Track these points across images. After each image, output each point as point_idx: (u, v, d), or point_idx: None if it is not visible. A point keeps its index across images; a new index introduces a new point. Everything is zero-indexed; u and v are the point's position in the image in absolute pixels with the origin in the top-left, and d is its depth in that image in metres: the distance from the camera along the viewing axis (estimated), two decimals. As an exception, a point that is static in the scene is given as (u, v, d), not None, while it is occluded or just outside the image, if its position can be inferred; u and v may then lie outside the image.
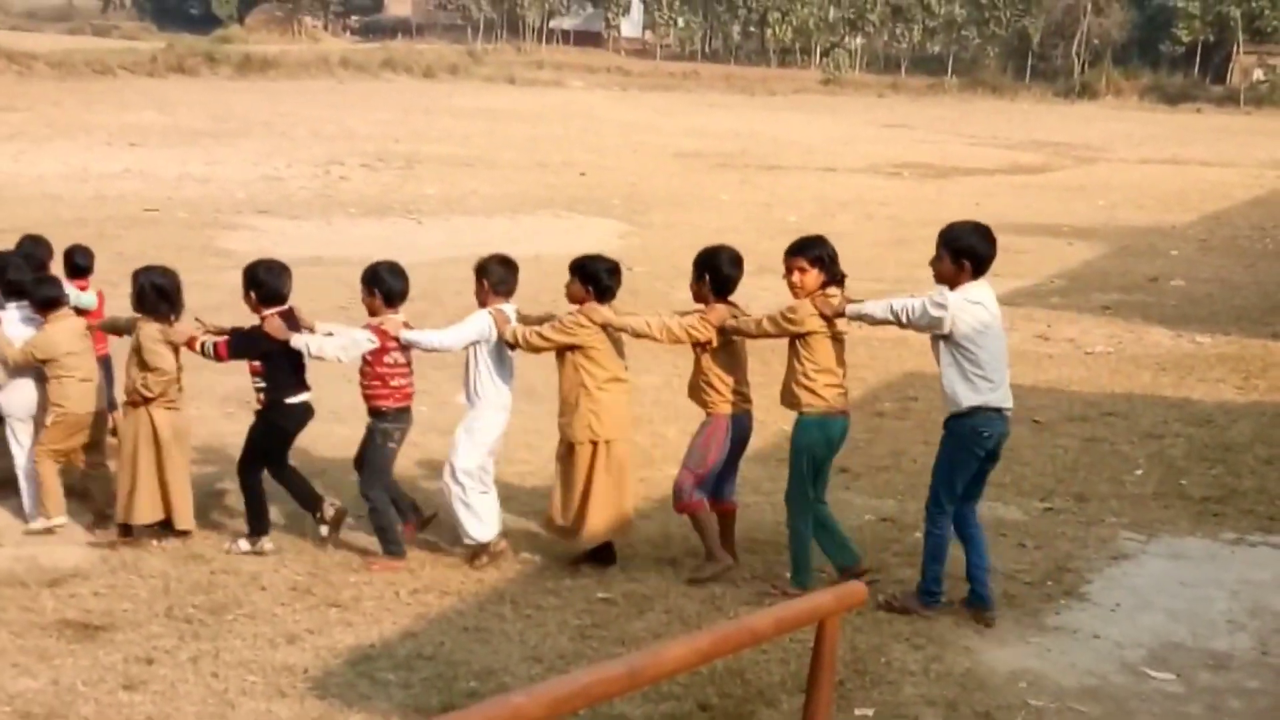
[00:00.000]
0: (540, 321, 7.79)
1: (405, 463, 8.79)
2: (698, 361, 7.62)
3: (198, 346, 7.76)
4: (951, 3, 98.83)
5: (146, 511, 7.88)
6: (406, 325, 7.79)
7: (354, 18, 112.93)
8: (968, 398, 6.78)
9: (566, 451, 7.73)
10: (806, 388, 7.19)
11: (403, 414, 7.84)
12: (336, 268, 17.43)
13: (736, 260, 7.57)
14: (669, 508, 8.06)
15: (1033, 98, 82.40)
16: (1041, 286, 18.45)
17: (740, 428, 7.63)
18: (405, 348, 7.74)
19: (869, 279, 15.87)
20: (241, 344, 7.78)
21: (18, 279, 8.42)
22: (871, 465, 10.12)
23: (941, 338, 6.82)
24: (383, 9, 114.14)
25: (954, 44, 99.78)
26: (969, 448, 6.90)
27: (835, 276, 7.26)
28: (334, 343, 7.73)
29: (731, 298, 7.62)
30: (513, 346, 7.74)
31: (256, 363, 7.78)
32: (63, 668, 6.31)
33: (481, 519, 7.77)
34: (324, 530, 8.01)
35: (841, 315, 7.17)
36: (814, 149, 40.80)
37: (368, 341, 7.67)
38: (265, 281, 7.80)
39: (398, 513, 8.00)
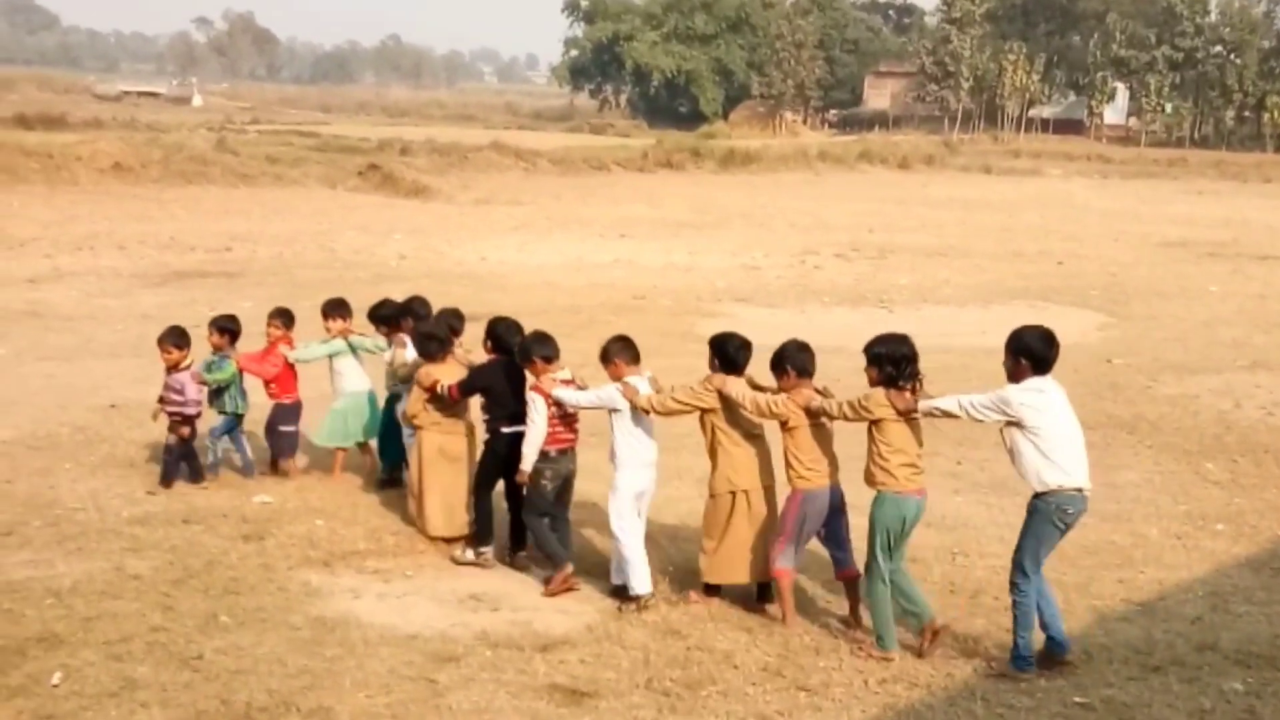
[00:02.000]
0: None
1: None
2: (783, 438, 8.24)
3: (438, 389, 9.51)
4: None
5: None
6: (565, 384, 9.00)
7: (833, 111, 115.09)
8: (1051, 476, 7.39)
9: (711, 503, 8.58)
10: (881, 468, 7.83)
11: (560, 457, 8.97)
12: (810, 355, 17.72)
13: (804, 347, 8.53)
14: (1153, 610, 7.73)
15: None
16: None
17: (826, 500, 8.20)
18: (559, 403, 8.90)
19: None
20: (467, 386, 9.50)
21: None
22: None
23: (1015, 425, 7.45)
24: (861, 102, 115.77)
25: None
26: (1052, 522, 7.46)
27: (902, 374, 7.79)
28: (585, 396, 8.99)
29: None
30: (646, 412, 8.60)
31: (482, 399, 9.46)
32: (552, 728, 6.72)
33: (637, 571, 8.51)
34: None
35: (914, 410, 7.78)
36: (1318, 238, 37.87)
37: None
38: (500, 336, 9.44)
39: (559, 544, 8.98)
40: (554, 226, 33.09)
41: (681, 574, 8.96)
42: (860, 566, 8.17)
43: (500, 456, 9.23)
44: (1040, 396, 7.43)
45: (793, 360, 8.43)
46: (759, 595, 8.57)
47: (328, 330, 11.08)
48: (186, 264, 22.76)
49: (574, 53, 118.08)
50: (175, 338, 10.63)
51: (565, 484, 9.13)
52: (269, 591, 8.46)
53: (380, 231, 29.97)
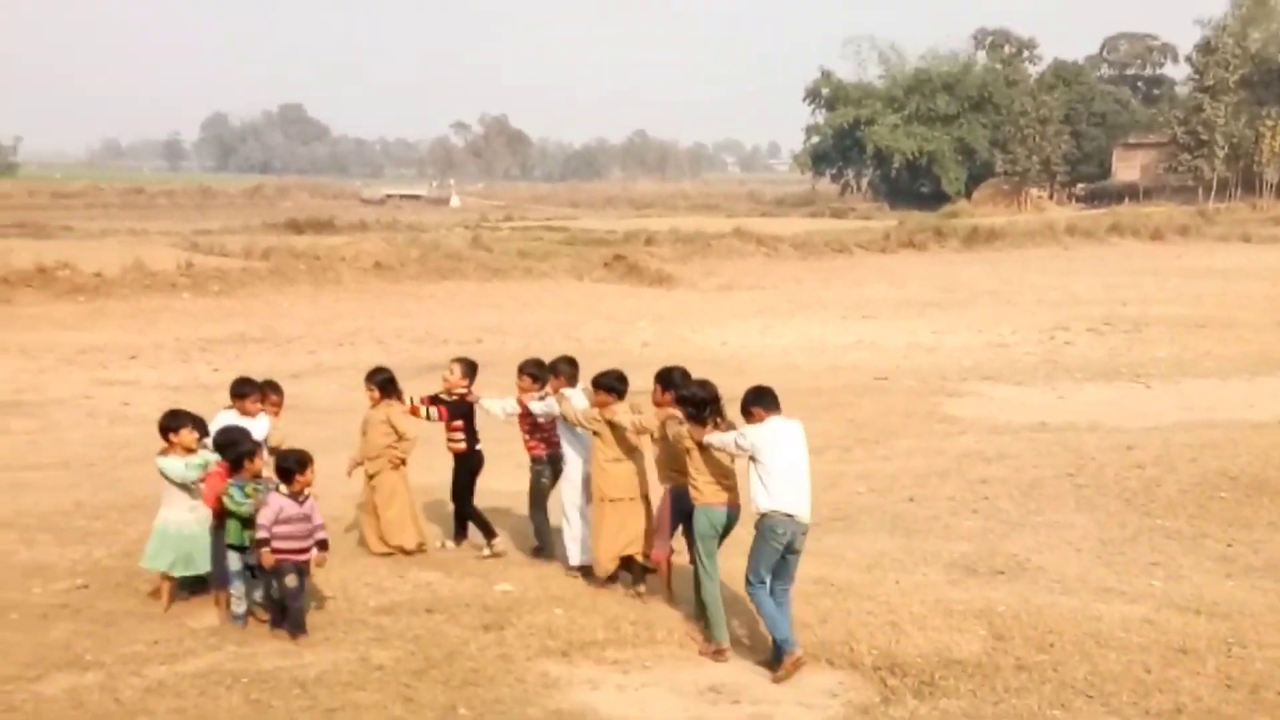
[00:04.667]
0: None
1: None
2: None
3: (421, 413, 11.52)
4: None
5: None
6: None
7: (1080, 186, 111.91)
8: (764, 502, 8.88)
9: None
10: (694, 486, 9.39)
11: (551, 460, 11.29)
12: (1062, 433, 17.06)
13: (686, 376, 10.06)
14: None
15: None
16: None
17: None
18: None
19: None
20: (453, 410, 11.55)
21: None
22: None
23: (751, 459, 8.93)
24: (1110, 175, 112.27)
25: None
26: (768, 541, 8.91)
27: (702, 412, 9.27)
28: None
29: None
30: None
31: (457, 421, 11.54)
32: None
33: (580, 545, 10.74)
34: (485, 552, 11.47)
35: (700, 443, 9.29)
36: None
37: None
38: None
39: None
40: (795, 309, 32.92)
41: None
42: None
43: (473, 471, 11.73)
44: (771, 434, 8.96)
45: (674, 386, 9.96)
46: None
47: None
48: (439, 356, 23.27)
49: (815, 139, 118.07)
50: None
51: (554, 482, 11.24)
52: (507, 683, 8.43)
53: (625, 320, 30.32)
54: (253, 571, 9.57)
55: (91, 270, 32.90)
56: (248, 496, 9.47)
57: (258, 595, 9.69)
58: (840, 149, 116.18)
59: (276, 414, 11.17)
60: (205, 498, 9.76)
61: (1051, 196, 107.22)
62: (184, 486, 9.82)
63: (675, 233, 52.70)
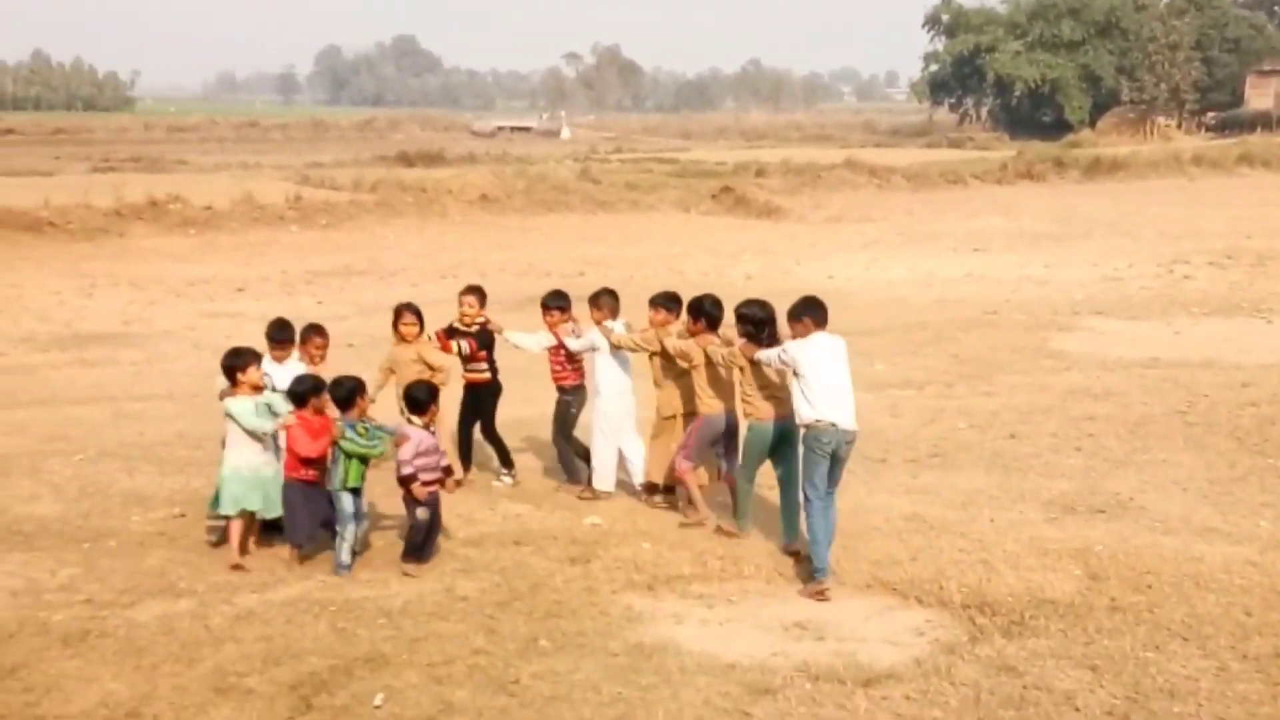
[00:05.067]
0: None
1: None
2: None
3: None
4: None
5: None
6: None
7: (1210, 114, 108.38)
8: (808, 413, 9.12)
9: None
10: (747, 402, 9.89)
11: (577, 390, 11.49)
12: (1174, 369, 16.57)
13: (717, 303, 10.43)
14: None
15: None
16: None
17: (724, 422, 10.42)
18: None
19: None
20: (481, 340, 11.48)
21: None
22: None
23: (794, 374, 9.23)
24: (1242, 103, 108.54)
25: None
26: (815, 451, 9.11)
27: (761, 332, 9.69)
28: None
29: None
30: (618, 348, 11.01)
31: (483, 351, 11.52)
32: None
33: (601, 472, 11.18)
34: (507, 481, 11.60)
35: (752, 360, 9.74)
36: None
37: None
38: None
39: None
40: (905, 242, 32.35)
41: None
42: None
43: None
44: (813, 349, 9.24)
45: (706, 314, 10.34)
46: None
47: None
48: (540, 289, 23.16)
49: (934, 67, 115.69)
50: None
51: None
52: (591, 616, 8.40)
53: (729, 253, 30.05)
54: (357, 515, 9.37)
55: (202, 203, 33.39)
56: (360, 435, 9.30)
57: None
58: (959, 77, 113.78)
59: (321, 359, 10.69)
60: (300, 448, 9.32)
61: (1180, 126, 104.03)
62: (251, 433, 9.49)
63: (786, 164, 52.01)
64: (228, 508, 9.52)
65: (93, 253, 28.83)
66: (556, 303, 11.46)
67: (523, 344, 11.57)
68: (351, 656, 7.73)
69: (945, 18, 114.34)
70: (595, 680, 7.39)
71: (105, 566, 9.41)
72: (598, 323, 11.15)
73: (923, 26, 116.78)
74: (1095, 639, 7.90)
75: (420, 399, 9.48)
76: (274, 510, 9.60)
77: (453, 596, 8.74)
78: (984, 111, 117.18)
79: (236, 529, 9.51)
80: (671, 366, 10.67)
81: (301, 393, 9.44)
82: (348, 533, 9.29)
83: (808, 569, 9.07)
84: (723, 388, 10.28)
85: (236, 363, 9.59)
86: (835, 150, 67.75)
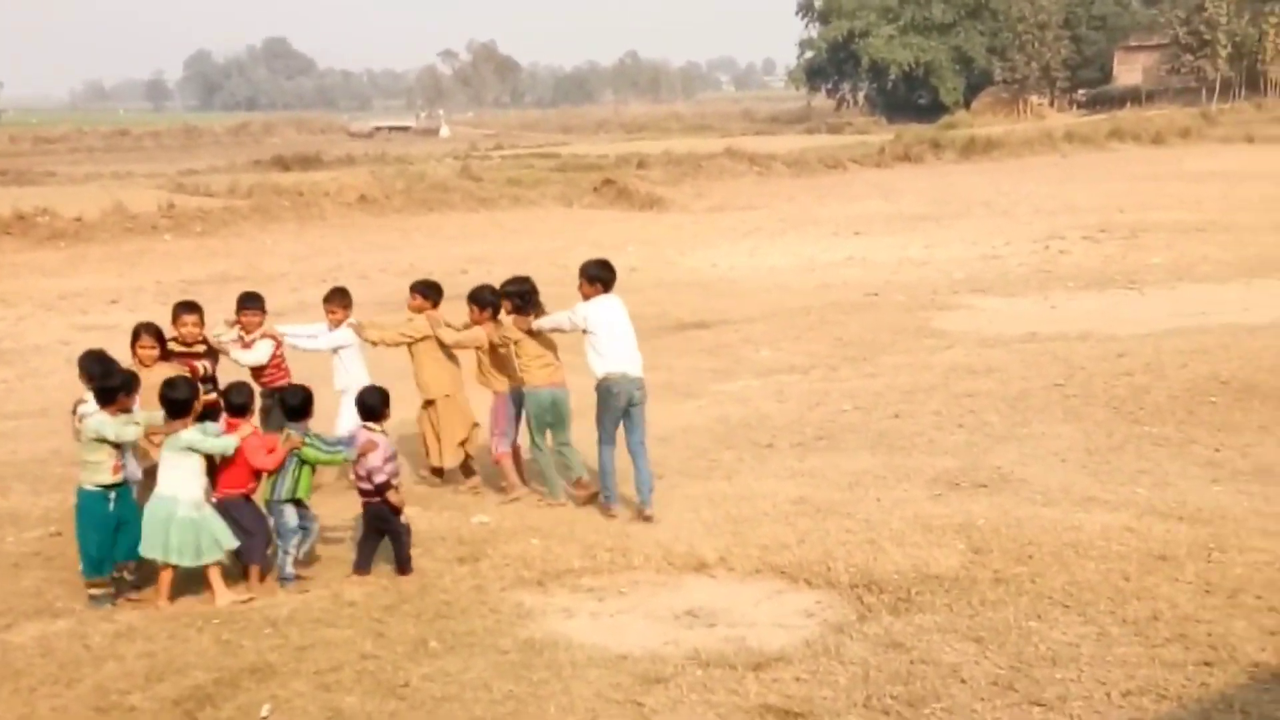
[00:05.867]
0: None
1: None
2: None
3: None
4: None
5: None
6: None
7: (1081, 91, 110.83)
8: (600, 366, 10.17)
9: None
10: (524, 369, 10.69)
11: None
12: (1052, 343, 16.90)
13: (495, 290, 10.98)
14: None
15: None
16: None
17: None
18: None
19: None
20: None
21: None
22: None
23: (584, 332, 10.22)
24: (1112, 79, 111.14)
25: None
26: (609, 401, 10.14)
27: (527, 304, 10.64)
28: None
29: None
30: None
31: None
32: (761, 752, 6.35)
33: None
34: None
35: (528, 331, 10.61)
36: None
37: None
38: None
39: None
40: (786, 228, 32.61)
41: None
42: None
43: None
44: (601, 308, 10.20)
45: (489, 303, 10.87)
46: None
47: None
48: (425, 289, 23.16)
49: (809, 54, 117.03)
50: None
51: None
52: (480, 614, 8.32)
53: (613, 245, 29.95)
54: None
55: (71, 215, 32.52)
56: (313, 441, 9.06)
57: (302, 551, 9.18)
58: (835, 63, 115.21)
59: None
60: (257, 460, 8.84)
61: (1052, 103, 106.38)
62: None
63: (667, 155, 52.20)
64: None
65: (-42, 270, 27.99)
66: (247, 303, 11.16)
67: (307, 346, 11.40)
68: (237, 668, 7.57)
69: (819, 4, 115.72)
70: (486, 679, 7.32)
71: (-21, 590, 9.13)
72: (337, 323, 11.24)
73: (797, 14, 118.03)
74: (979, 611, 8.00)
75: (374, 405, 9.31)
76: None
77: (340, 602, 8.61)
78: (861, 96, 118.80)
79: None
80: (436, 349, 11.07)
81: (242, 404, 9.09)
82: (291, 545, 9.04)
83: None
84: (507, 365, 10.94)
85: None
86: (716, 139, 68.22)
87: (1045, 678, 7.10)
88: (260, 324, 11.18)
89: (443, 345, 11.04)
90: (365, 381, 10.28)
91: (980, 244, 27.92)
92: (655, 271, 25.17)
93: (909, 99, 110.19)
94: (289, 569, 9.04)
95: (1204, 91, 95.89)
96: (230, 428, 8.93)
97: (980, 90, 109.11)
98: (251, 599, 8.73)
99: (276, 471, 8.98)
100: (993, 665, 7.28)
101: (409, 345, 11.14)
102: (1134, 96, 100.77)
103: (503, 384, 10.97)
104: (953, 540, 9.28)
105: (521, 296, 10.68)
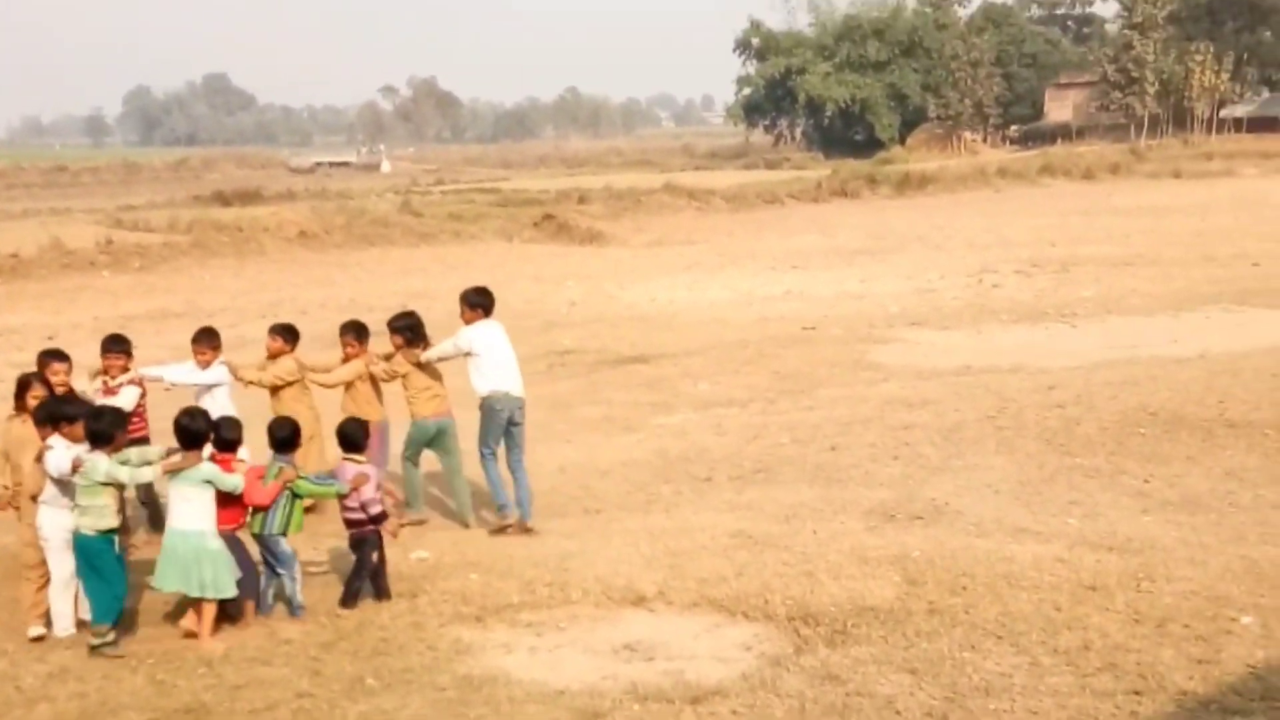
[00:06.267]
0: None
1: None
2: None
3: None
4: None
5: None
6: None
7: (1014, 128, 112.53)
8: (484, 386, 10.82)
9: None
10: (410, 402, 11.18)
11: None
12: (985, 376, 17.12)
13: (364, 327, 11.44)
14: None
15: None
16: None
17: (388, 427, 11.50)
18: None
19: None
20: None
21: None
22: None
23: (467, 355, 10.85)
24: (1043, 116, 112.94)
25: None
26: (492, 418, 10.84)
27: (417, 337, 11.14)
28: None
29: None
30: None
31: None
32: (695, 784, 6.38)
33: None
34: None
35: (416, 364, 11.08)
36: None
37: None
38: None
39: None
40: (725, 263, 32.85)
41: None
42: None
43: None
44: (482, 332, 10.85)
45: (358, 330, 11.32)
46: None
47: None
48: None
49: (747, 90, 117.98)
50: None
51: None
52: (418, 651, 8.31)
53: (553, 280, 30.13)
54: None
55: (8, 251, 32.24)
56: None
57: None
58: (773, 99, 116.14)
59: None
60: (256, 497, 8.85)
61: (985, 139, 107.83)
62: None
63: (607, 190, 52.44)
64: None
65: (-110, 307, 27.58)
66: (114, 347, 10.86)
67: (184, 380, 11.23)
68: (171, 709, 7.52)
69: (755, 41, 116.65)
70: (423, 716, 7.32)
71: (-94, 634, 9.00)
72: (206, 363, 11.11)
73: (734, 50, 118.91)
74: (914, 642, 8.09)
75: (355, 436, 9.44)
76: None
77: (276, 640, 8.57)
78: (798, 132, 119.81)
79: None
80: (302, 392, 11.28)
81: (232, 439, 9.06)
82: (295, 573, 9.07)
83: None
84: (380, 396, 11.41)
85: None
86: (655, 175, 68.54)
87: (979, 708, 7.19)
88: (125, 368, 10.93)
89: (311, 387, 11.31)
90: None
91: (915, 278, 28.25)
92: (595, 306, 25.26)
93: (845, 135, 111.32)
94: (299, 597, 9.06)
95: (1133, 128, 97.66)
96: (223, 464, 8.91)
97: (915, 126, 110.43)
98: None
99: (272, 507, 9.00)
100: (927, 696, 7.35)
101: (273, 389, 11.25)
102: (1065, 133, 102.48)
103: (378, 413, 11.23)
104: (888, 572, 9.37)
105: (410, 330, 11.15)
